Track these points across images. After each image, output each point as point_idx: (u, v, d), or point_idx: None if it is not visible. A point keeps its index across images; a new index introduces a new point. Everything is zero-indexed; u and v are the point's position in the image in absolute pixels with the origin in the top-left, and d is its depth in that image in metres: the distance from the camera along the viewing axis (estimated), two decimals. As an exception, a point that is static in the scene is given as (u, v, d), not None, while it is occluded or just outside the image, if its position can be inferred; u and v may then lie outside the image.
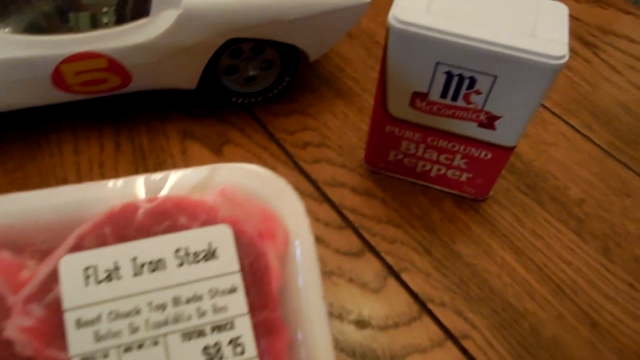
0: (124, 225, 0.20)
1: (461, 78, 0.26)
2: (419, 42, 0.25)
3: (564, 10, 0.26)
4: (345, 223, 0.33)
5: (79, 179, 0.34)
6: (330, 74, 0.41)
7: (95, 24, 0.32)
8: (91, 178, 0.34)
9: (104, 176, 0.34)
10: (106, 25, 0.32)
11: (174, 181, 0.21)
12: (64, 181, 0.34)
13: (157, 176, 0.21)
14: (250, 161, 0.35)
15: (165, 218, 0.20)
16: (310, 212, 0.33)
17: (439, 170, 0.33)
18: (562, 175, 0.37)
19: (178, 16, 0.31)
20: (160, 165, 0.35)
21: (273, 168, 0.35)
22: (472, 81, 0.26)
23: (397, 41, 0.26)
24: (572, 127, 0.40)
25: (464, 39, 0.25)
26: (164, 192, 0.21)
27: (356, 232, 0.33)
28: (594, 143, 0.39)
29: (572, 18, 0.50)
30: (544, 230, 0.34)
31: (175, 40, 0.32)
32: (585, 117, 0.41)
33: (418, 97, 0.28)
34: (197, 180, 0.21)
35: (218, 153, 0.36)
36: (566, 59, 0.24)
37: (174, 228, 0.20)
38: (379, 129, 0.32)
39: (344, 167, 0.35)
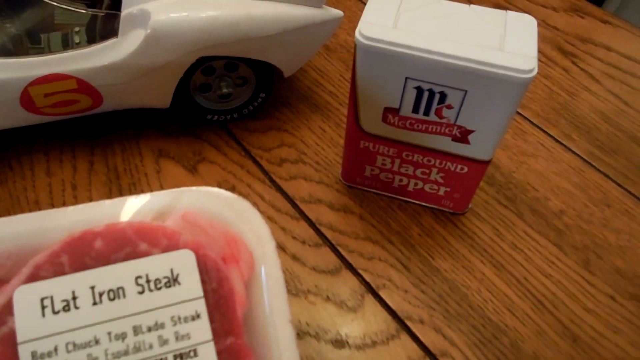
0: (82, 254, 0.19)
1: (432, 93, 0.26)
2: (387, 58, 0.25)
3: (532, 23, 0.26)
4: (322, 240, 0.32)
5: (51, 201, 0.33)
6: (308, 89, 0.41)
7: (63, 46, 0.31)
8: (64, 200, 0.34)
9: (77, 198, 0.34)
10: (74, 47, 0.31)
11: (135, 207, 0.21)
12: (36, 204, 0.33)
13: (117, 202, 0.20)
14: (225, 179, 0.35)
15: (125, 245, 0.19)
16: (286, 230, 0.33)
17: (416, 184, 0.33)
18: (542, 187, 0.36)
19: (146, 36, 0.30)
20: (134, 185, 0.34)
21: (249, 185, 0.35)
22: (443, 96, 0.26)
23: (364, 57, 0.26)
24: (552, 137, 0.40)
25: (431, 54, 0.24)
26: (124, 218, 0.20)
27: (333, 249, 0.32)
28: (574, 153, 0.39)
29: (550, 27, 0.50)
30: (524, 244, 0.33)
31: (144, 60, 0.31)
32: (564, 127, 0.41)
33: (390, 113, 0.28)
34: (159, 206, 0.21)
35: (193, 171, 0.35)
36: (535, 72, 0.24)
37: (134, 255, 0.19)
38: (353, 145, 0.31)
39: (321, 183, 0.35)
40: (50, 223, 0.20)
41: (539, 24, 0.50)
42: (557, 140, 0.40)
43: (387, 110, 0.28)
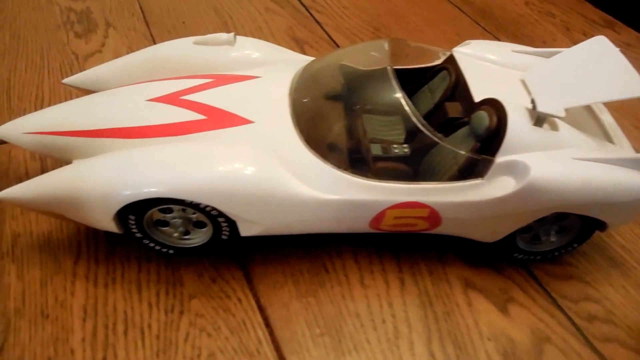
0: None
1: None
2: None
3: None
4: (648, 419, 0.31)
5: (371, 316, 0.34)
6: (598, 237, 0.41)
7: (429, 178, 0.33)
8: (382, 317, 0.34)
9: (394, 317, 0.34)
10: (439, 180, 0.33)
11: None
12: (357, 317, 0.34)
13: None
14: (538, 327, 0.35)
15: None
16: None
17: None
18: None
19: (520, 188, 0.31)
20: (449, 315, 0.35)
21: (564, 340, 0.34)
22: None
23: None
24: None
25: None
26: None
27: None
28: None
29: None
30: None
31: (505, 206, 0.32)
32: None
33: None
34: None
35: (504, 311, 0.35)
36: None
37: None
38: None
39: (639, 353, 0.34)
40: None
41: None
42: None
43: None
